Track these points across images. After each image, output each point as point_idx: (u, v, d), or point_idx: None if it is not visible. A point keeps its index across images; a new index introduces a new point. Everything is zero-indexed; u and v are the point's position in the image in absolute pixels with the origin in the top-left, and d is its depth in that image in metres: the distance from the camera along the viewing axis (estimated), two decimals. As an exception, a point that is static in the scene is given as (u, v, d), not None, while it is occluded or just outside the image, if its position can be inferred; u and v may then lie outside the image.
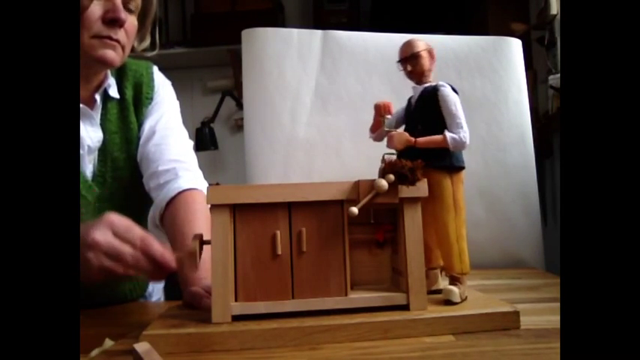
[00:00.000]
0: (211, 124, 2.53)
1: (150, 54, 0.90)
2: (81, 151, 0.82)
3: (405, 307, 0.54)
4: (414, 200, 0.54)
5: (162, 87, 0.95)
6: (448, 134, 0.55)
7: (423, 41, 0.59)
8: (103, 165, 0.86)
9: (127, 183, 0.88)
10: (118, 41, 0.77)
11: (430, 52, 0.59)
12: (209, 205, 0.53)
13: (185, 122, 0.99)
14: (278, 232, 0.53)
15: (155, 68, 0.97)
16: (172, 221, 0.79)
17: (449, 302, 0.56)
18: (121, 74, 0.90)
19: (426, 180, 0.54)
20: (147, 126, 0.90)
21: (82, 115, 0.82)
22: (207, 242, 0.54)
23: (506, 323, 0.53)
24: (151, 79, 0.93)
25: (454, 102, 0.56)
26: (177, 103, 0.97)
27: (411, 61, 0.59)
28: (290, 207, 0.54)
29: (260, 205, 0.53)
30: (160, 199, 0.83)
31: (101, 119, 0.86)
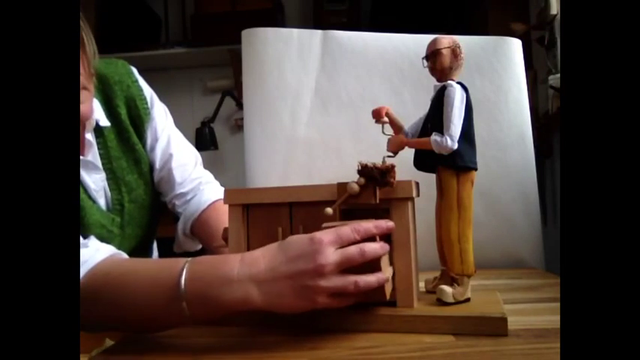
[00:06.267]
0: (211, 124, 2.53)
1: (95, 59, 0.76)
2: (91, 193, 0.81)
3: (394, 304, 0.56)
4: (402, 200, 0.56)
5: (153, 96, 0.93)
6: (432, 137, 0.56)
7: (449, 39, 0.59)
8: (117, 193, 0.86)
9: (142, 202, 0.91)
10: None
11: (454, 51, 0.58)
12: None
13: (185, 122, 1.00)
14: (280, 229, 0.60)
15: (135, 71, 0.92)
16: (206, 229, 0.90)
17: (442, 302, 0.56)
18: (108, 92, 0.86)
19: (411, 181, 0.56)
20: (159, 148, 0.91)
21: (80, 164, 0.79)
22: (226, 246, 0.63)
23: (492, 329, 0.51)
24: (140, 89, 0.90)
25: (452, 103, 0.56)
26: (167, 109, 0.97)
27: (432, 58, 0.59)
28: (291, 206, 0.61)
29: (266, 205, 0.61)
30: (188, 212, 0.92)
31: (101, 148, 0.84)
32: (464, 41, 0.60)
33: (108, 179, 0.85)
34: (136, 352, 0.51)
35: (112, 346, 0.53)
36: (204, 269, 0.51)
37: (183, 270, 0.51)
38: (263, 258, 0.51)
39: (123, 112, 0.87)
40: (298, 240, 0.51)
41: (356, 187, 0.55)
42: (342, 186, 0.56)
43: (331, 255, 0.49)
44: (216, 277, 0.50)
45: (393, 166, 0.55)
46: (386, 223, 0.54)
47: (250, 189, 0.61)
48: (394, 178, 0.55)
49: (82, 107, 0.71)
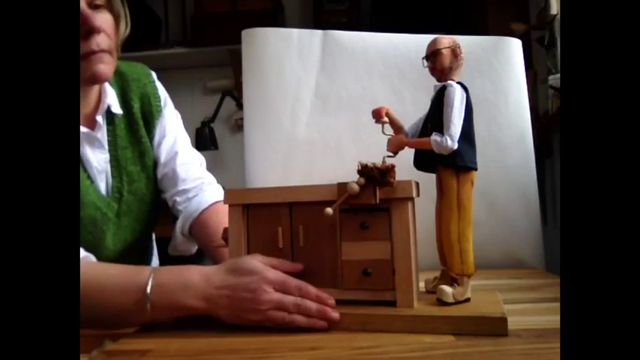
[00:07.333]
0: (211, 124, 2.53)
1: (125, 34, 0.83)
2: (90, 173, 0.83)
3: (394, 304, 0.56)
4: (402, 200, 0.56)
5: (167, 98, 0.97)
6: (432, 137, 0.56)
7: (449, 39, 0.58)
8: (118, 181, 0.87)
9: (142, 195, 0.91)
10: (102, 50, 0.73)
11: (454, 51, 0.58)
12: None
13: (185, 122, 1.01)
14: (280, 229, 0.60)
15: (154, 75, 0.96)
16: (205, 230, 0.89)
17: (442, 302, 0.56)
18: (124, 86, 0.89)
19: (411, 181, 0.56)
20: (165, 145, 0.93)
21: (86, 138, 0.81)
22: (226, 246, 0.63)
23: (492, 329, 0.51)
24: (155, 89, 0.94)
25: (452, 103, 0.55)
26: (179, 114, 1.00)
27: (432, 58, 0.58)
28: (291, 206, 0.60)
29: (266, 205, 0.61)
30: (189, 211, 0.92)
31: (110, 135, 0.86)
32: (464, 41, 0.60)
33: (111, 166, 0.86)
34: (136, 352, 0.51)
35: (112, 346, 0.53)
36: (167, 277, 0.59)
37: (149, 277, 0.59)
38: (218, 274, 0.58)
39: (136, 105, 0.90)
40: (252, 269, 0.57)
41: (356, 187, 0.55)
42: (342, 186, 0.56)
43: (270, 293, 0.56)
44: (178, 285, 0.58)
45: (393, 166, 0.55)
46: (327, 299, 0.57)
47: (250, 189, 0.61)
48: (394, 178, 0.55)
49: (103, 67, 0.74)
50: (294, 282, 0.57)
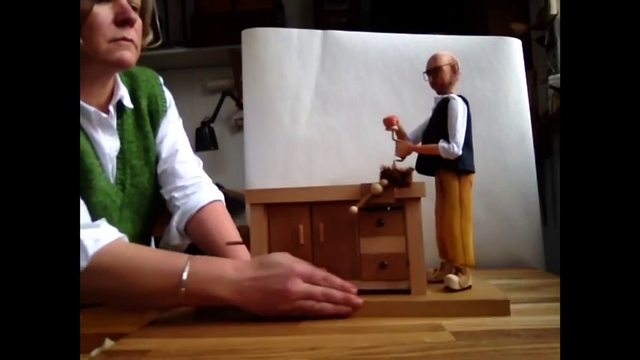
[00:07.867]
0: (211, 124, 2.53)
1: (155, 45, 0.92)
2: (102, 160, 0.86)
3: (408, 292, 0.62)
4: (414, 200, 0.62)
5: (172, 101, 1.01)
6: (440, 143, 0.62)
7: (448, 55, 0.64)
8: (122, 172, 0.90)
9: (143, 189, 0.93)
10: (132, 41, 0.80)
11: (453, 67, 0.64)
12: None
13: (185, 122, 1.03)
14: (301, 226, 0.64)
15: (161, 79, 1.01)
16: (204, 227, 0.93)
17: (449, 289, 0.62)
18: (134, 85, 0.94)
19: (424, 183, 0.62)
20: (167, 143, 0.96)
21: (101, 124, 0.85)
22: (240, 243, 0.73)
23: (496, 311, 0.58)
24: (162, 91, 0.98)
25: (456, 115, 0.61)
26: (180, 118, 1.04)
27: (433, 74, 0.64)
28: (311, 206, 0.65)
29: (287, 204, 0.65)
30: (187, 207, 0.95)
31: (118, 128, 0.89)
32: (464, 41, 0.61)
33: (117, 157, 0.89)
34: (136, 352, 0.51)
35: (112, 346, 0.53)
36: (202, 266, 0.62)
37: (186, 264, 0.61)
38: (250, 268, 0.61)
39: (144, 102, 0.94)
40: (281, 262, 0.61)
41: (379, 188, 0.60)
42: (365, 187, 0.61)
43: (299, 284, 0.59)
44: (212, 276, 0.61)
45: (412, 169, 0.61)
46: (351, 288, 0.61)
47: (272, 189, 0.66)
48: (412, 180, 0.61)
49: (130, 55, 0.80)
50: (320, 273, 0.61)
